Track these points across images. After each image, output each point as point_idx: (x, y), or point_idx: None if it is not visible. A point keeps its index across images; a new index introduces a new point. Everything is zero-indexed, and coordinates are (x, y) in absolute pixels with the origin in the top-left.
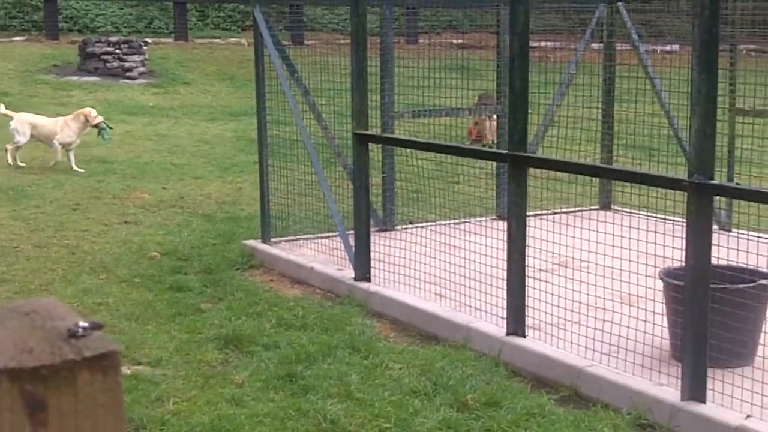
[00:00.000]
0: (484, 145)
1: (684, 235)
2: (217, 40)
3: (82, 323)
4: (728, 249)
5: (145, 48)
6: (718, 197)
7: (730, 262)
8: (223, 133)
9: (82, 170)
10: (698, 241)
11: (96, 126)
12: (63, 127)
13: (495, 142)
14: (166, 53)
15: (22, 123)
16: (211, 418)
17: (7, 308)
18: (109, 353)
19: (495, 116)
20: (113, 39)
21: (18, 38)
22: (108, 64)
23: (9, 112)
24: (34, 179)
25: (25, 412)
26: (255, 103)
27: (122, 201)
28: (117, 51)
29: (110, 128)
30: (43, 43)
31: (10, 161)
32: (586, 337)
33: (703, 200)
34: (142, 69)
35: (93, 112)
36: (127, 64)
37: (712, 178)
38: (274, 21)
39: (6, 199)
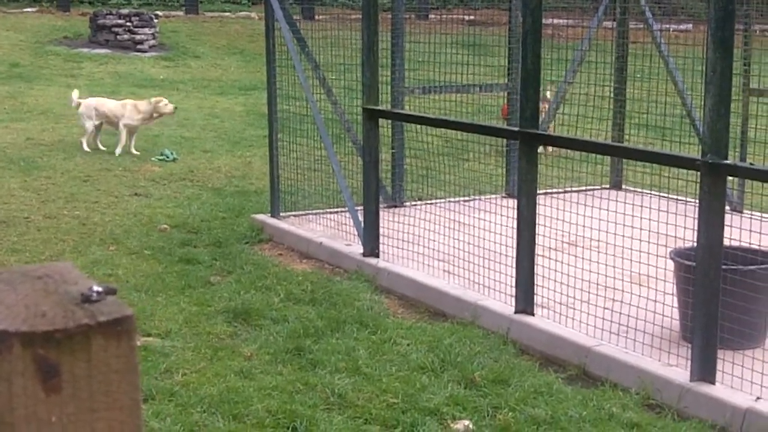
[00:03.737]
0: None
1: (695, 215)
2: (228, 13)
3: (96, 287)
4: (740, 230)
5: (155, 21)
6: (730, 177)
7: (741, 243)
8: (233, 107)
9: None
10: (710, 222)
11: (160, 115)
12: (131, 111)
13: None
14: (177, 26)
15: (88, 107)
16: (220, 390)
17: (19, 271)
18: (124, 318)
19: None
20: (124, 11)
21: (29, 9)
22: (119, 37)
23: (78, 100)
24: (45, 150)
25: (37, 377)
26: (265, 77)
27: (132, 173)
28: (128, 23)
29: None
30: (54, 15)
31: (86, 147)
32: (595, 316)
33: (717, 180)
34: (152, 42)
35: (164, 101)
36: (137, 37)
37: (726, 158)
38: None
39: (17, 170)
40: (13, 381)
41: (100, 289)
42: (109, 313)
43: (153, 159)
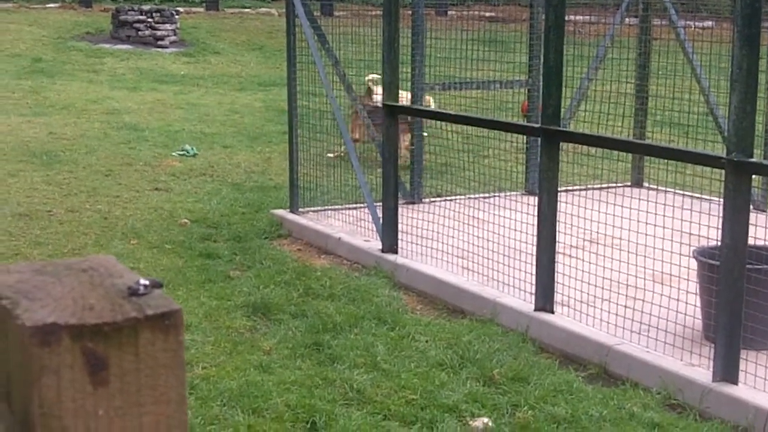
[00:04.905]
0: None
1: (719, 214)
2: (248, 9)
3: (143, 281)
4: (765, 229)
5: (176, 17)
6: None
7: (765, 242)
8: (253, 103)
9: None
10: (735, 220)
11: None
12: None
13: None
14: (197, 22)
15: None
16: (240, 383)
17: (62, 264)
18: (172, 312)
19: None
20: (146, 7)
21: (52, 5)
22: (140, 33)
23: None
24: (67, 145)
25: (86, 370)
26: (285, 73)
27: (153, 168)
28: (149, 19)
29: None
30: (77, 11)
31: None
32: (616, 314)
33: (741, 178)
34: (173, 38)
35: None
36: (158, 33)
37: (751, 156)
38: None
39: (40, 164)
40: (62, 374)
41: (147, 282)
42: (156, 306)
43: (173, 154)
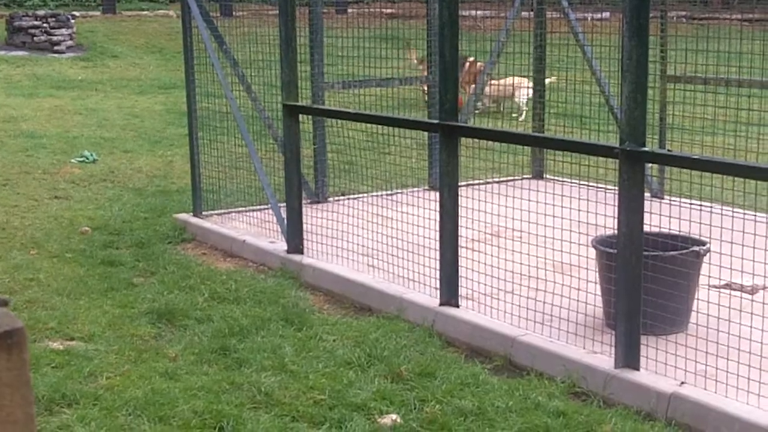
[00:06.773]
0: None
1: (616, 203)
2: (146, 12)
3: None
4: (660, 216)
5: (72, 21)
6: (650, 164)
7: (662, 229)
8: (153, 106)
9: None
10: (630, 209)
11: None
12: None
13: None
14: (94, 26)
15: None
16: (145, 392)
17: None
18: (14, 331)
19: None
20: (40, 13)
21: None
22: (36, 38)
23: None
24: None
25: None
26: (184, 75)
27: (52, 176)
28: (44, 25)
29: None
30: None
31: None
32: (520, 306)
33: (635, 167)
34: (70, 42)
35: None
36: (54, 38)
37: (644, 145)
38: None
39: None
40: None
41: None
42: None
43: (72, 161)
